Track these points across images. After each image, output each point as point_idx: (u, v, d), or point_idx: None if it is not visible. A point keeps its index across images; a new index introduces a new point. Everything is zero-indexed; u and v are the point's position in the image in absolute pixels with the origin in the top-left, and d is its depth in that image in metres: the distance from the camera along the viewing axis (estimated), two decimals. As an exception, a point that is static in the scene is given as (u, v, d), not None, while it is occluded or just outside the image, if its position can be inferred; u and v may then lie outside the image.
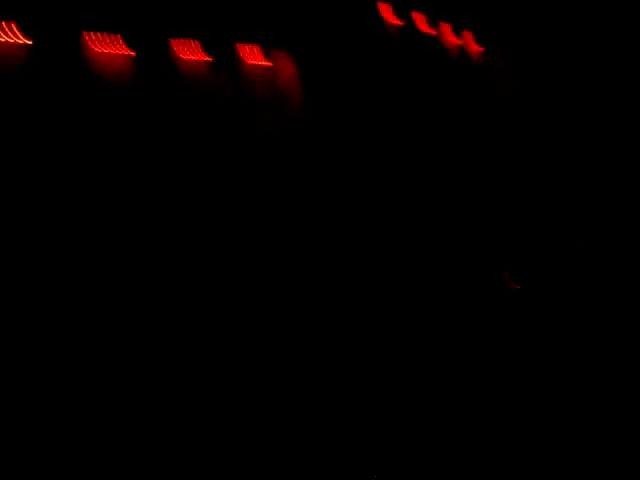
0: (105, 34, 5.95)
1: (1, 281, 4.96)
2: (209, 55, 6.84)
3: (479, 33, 10.43)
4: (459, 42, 10.24)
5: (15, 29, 5.27)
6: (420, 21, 9.45)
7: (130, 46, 6.15)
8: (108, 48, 6.02)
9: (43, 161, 5.37)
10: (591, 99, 10.68)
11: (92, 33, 5.85)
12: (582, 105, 10.66)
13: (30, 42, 5.36)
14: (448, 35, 9.90)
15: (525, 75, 10.84)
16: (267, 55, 7.41)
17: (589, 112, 10.59)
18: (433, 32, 9.77)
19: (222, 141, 6.77)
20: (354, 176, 7.81)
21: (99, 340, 5.32)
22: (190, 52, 6.76)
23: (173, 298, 5.81)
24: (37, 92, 5.43)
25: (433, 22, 9.65)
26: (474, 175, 9.15)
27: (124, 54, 6.13)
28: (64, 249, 5.33)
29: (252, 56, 7.33)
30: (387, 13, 8.84)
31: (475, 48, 10.44)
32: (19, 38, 5.31)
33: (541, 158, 9.99)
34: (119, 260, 5.62)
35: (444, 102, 9.37)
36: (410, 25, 9.34)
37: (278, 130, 7.31)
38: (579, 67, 10.71)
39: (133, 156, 5.99)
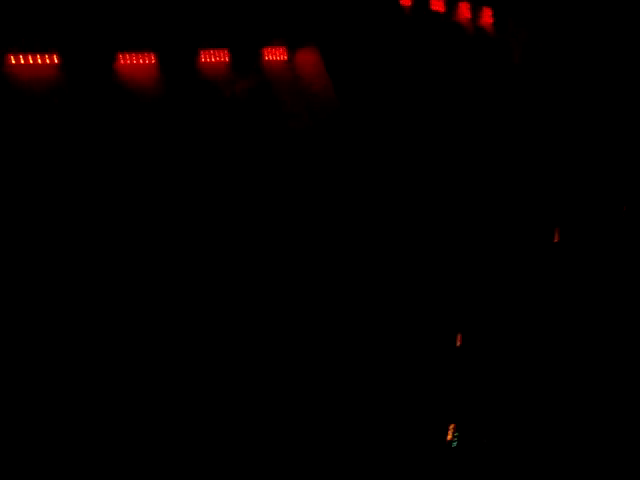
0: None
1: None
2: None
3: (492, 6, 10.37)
4: (469, 16, 10.20)
5: None
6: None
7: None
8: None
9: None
10: (600, 65, 10.70)
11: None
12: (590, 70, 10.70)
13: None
14: (462, 10, 9.87)
15: (536, 43, 10.79)
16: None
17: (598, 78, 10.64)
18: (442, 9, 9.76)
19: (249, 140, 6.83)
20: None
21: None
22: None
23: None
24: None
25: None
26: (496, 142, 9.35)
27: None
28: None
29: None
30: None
31: (487, 20, 10.38)
32: None
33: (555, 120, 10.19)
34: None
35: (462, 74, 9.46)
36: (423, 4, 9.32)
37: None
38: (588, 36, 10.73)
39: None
